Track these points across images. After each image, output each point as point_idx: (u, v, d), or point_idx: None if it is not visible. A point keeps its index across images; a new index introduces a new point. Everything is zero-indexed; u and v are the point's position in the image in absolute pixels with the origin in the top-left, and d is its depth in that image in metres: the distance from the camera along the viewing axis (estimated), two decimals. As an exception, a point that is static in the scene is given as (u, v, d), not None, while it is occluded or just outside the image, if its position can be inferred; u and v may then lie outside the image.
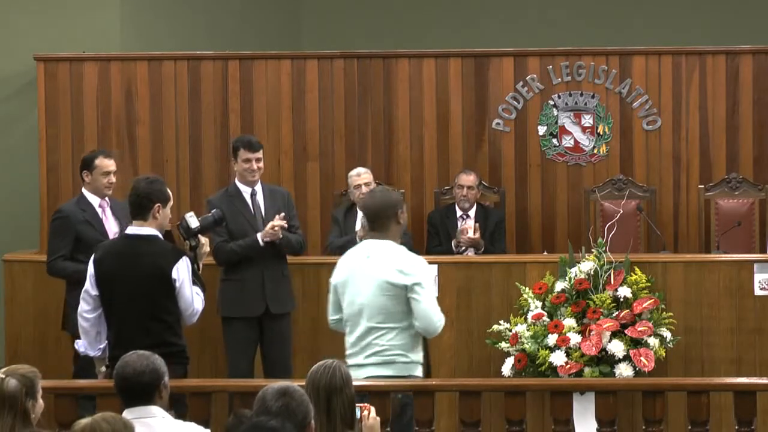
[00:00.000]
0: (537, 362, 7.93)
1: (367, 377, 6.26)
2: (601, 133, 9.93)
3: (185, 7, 11.38)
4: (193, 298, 6.52)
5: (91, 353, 6.69)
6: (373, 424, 4.92)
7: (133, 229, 6.58)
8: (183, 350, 6.56)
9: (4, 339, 9.17)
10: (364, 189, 9.14)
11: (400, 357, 6.32)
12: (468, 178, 9.43)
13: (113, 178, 7.97)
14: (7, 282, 9.18)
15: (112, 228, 7.90)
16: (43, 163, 9.97)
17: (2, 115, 10.55)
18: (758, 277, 8.27)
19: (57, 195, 9.90)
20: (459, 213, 9.47)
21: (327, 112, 10.00)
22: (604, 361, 7.94)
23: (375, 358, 6.30)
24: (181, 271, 6.47)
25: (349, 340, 6.40)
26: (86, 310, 6.60)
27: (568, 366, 7.88)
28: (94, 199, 7.90)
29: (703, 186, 9.78)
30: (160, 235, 6.56)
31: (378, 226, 6.41)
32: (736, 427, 6.12)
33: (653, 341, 7.95)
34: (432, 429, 6.23)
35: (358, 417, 4.86)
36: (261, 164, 8.15)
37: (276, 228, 7.91)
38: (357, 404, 4.87)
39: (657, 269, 8.32)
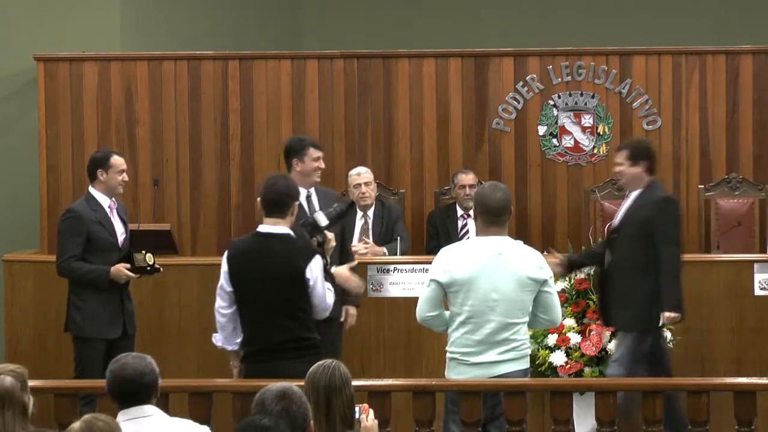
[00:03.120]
0: (537, 362, 7.93)
1: (502, 374, 6.30)
2: (601, 133, 9.94)
3: (185, 7, 11.38)
4: (325, 294, 6.53)
5: (229, 347, 6.69)
6: (372, 426, 4.92)
7: (266, 227, 6.51)
8: (315, 342, 6.55)
9: (4, 339, 9.17)
10: (364, 189, 9.14)
11: (528, 350, 6.44)
12: (468, 177, 9.45)
13: (126, 176, 7.95)
14: (7, 282, 9.18)
15: (118, 229, 7.88)
16: (43, 163, 9.97)
17: (2, 115, 10.55)
18: (758, 277, 8.27)
19: (57, 195, 9.91)
20: (459, 213, 9.48)
21: (327, 112, 10.01)
22: (604, 361, 7.94)
23: (513, 353, 6.33)
24: (315, 269, 6.45)
25: (474, 337, 6.31)
26: (222, 306, 6.61)
27: (568, 366, 7.88)
28: (103, 200, 7.86)
29: (703, 186, 9.78)
30: (293, 234, 6.55)
31: (500, 221, 6.38)
32: (736, 427, 6.12)
33: (653, 341, 7.95)
34: (432, 429, 6.24)
35: (357, 418, 4.86)
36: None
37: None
38: (357, 405, 4.88)
39: (657, 269, 8.32)
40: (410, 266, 8.44)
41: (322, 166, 7.87)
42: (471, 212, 9.36)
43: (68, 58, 10.04)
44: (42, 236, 9.88)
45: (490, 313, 6.29)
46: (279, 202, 6.49)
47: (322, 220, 6.82)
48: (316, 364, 4.91)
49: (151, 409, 4.87)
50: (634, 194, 7.61)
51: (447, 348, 6.43)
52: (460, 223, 9.42)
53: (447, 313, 6.42)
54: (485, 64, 9.99)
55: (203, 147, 10.02)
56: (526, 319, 6.37)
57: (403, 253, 9.03)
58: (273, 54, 10.20)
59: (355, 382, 4.95)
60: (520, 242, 6.45)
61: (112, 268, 7.69)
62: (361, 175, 9.21)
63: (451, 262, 6.36)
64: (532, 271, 6.32)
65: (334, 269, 7.02)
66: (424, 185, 10.00)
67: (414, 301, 6.49)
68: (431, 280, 6.37)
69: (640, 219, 7.46)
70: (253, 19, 11.94)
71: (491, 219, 6.36)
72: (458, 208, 9.49)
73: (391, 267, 8.44)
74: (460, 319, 6.34)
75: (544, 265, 6.39)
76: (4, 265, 9.29)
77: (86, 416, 4.28)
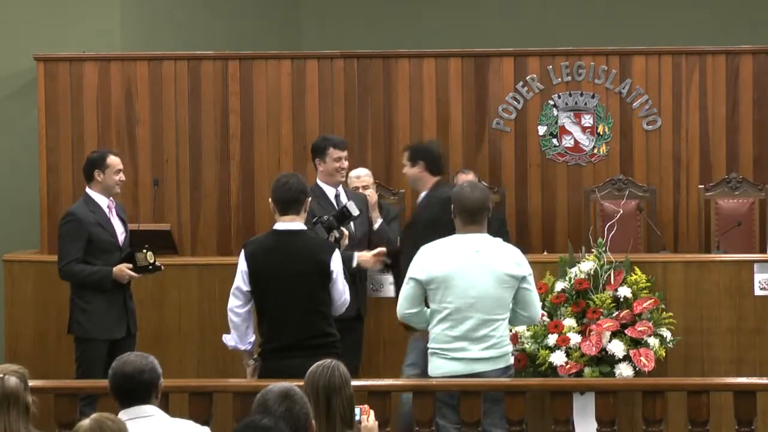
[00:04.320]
0: (537, 362, 7.94)
1: (482, 372, 6.35)
2: (601, 133, 9.93)
3: (185, 7, 11.38)
4: (344, 289, 6.63)
5: (242, 347, 6.71)
6: (373, 427, 4.92)
7: (283, 225, 6.59)
8: (336, 340, 6.61)
9: (4, 339, 9.18)
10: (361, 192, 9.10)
11: (508, 347, 6.50)
12: (468, 177, 9.43)
13: (123, 176, 7.95)
14: (7, 282, 9.18)
15: (118, 229, 7.88)
16: (43, 163, 9.97)
17: (2, 115, 10.55)
18: (758, 277, 8.27)
19: (57, 195, 9.91)
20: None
21: (327, 112, 10.00)
22: (604, 361, 7.94)
23: (493, 351, 6.40)
24: (336, 262, 6.57)
25: (451, 333, 6.39)
26: (237, 305, 6.64)
27: (568, 366, 7.88)
28: (101, 200, 7.85)
29: (703, 186, 9.78)
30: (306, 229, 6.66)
31: (479, 219, 6.47)
32: (736, 427, 6.12)
33: (653, 341, 7.95)
34: (432, 429, 6.24)
35: (358, 419, 4.85)
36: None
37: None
38: (357, 406, 4.88)
39: (657, 269, 8.32)
40: (410, 266, 8.42)
41: (345, 165, 7.98)
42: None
43: (68, 58, 10.04)
44: (42, 236, 9.88)
45: (470, 310, 6.37)
46: (293, 200, 6.58)
47: (354, 209, 7.04)
48: (316, 363, 4.91)
49: (151, 409, 4.87)
50: (422, 195, 7.86)
51: (428, 344, 6.50)
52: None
53: (428, 310, 6.50)
54: (485, 64, 9.99)
55: (203, 147, 10.01)
56: (507, 315, 6.44)
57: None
58: (273, 54, 10.19)
59: (355, 382, 4.95)
60: (498, 239, 6.54)
61: (115, 269, 7.69)
62: (360, 178, 9.15)
63: (430, 260, 6.46)
64: (509, 268, 6.41)
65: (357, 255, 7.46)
66: (424, 185, 9.98)
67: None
68: (410, 278, 6.47)
69: (424, 220, 7.57)
70: (253, 19, 11.94)
71: (468, 218, 6.47)
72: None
73: (391, 267, 8.43)
74: (440, 316, 6.43)
75: (523, 261, 6.47)
76: (4, 265, 9.29)
77: (95, 415, 4.28)
